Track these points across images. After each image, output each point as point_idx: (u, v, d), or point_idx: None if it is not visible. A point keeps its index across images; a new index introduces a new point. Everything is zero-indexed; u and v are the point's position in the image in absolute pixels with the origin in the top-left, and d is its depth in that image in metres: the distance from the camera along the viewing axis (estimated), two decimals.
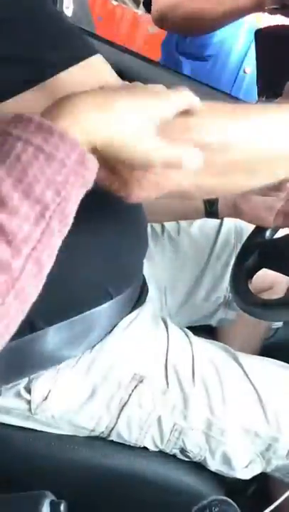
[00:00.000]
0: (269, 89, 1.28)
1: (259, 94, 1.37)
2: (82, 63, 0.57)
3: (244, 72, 1.64)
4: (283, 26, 1.31)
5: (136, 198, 0.54)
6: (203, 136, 0.53)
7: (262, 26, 1.48)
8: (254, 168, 0.59)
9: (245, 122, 0.56)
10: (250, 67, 1.63)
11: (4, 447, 0.76)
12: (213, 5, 1.24)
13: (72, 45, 0.58)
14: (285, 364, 0.83)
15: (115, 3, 4.17)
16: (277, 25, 1.35)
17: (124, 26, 4.00)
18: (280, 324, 1.17)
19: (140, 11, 4.80)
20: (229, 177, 0.59)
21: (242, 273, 0.84)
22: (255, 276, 0.85)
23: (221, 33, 1.59)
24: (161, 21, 1.39)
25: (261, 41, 1.27)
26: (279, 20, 1.48)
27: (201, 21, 1.29)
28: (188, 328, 0.89)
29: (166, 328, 0.83)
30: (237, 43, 1.63)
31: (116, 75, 0.63)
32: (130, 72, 1.26)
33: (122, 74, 1.24)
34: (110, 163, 0.49)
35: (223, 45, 1.56)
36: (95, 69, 0.59)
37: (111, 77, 0.61)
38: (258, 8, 1.18)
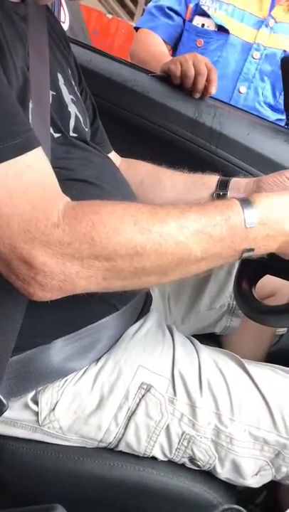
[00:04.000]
0: None
1: (287, 123, 1.40)
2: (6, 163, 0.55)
3: (239, 91, 1.67)
4: None
5: (38, 298, 0.58)
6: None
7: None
8: (165, 271, 0.61)
9: (149, 234, 0.57)
10: (245, 86, 1.66)
11: (12, 460, 0.76)
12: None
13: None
14: None
15: (110, 16, 4.23)
16: None
17: (119, 39, 4.04)
18: (284, 330, 1.17)
19: (135, 23, 4.85)
20: (141, 279, 0.61)
21: (246, 280, 0.84)
22: (258, 283, 0.85)
23: (213, 53, 1.65)
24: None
25: (288, 69, 1.29)
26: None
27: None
28: (194, 336, 0.89)
29: (172, 336, 0.83)
30: (230, 63, 1.66)
31: (51, 177, 0.60)
32: (126, 82, 1.28)
33: (120, 85, 1.27)
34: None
35: (216, 65, 1.60)
36: (20, 171, 0.57)
37: (43, 177, 0.59)
38: None
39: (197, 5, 1.67)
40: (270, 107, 1.70)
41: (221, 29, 1.65)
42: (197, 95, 1.26)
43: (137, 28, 1.78)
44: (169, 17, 1.72)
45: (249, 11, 1.64)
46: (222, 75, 1.64)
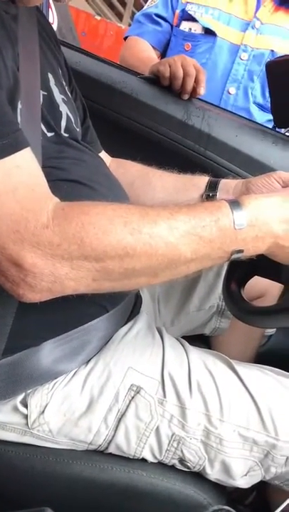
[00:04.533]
0: (284, 119, 1.33)
1: (275, 125, 1.42)
2: None
3: (228, 92, 1.69)
4: None
5: (28, 300, 0.58)
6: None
7: (273, 58, 1.60)
8: (155, 272, 0.61)
9: (139, 235, 0.57)
10: (234, 87, 1.69)
11: (0, 464, 0.75)
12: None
13: None
14: (280, 370, 0.83)
15: (98, 18, 4.23)
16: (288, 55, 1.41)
17: (107, 40, 4.05)
18: (273, 331, 1.18)
19: (123, 25, 4.86)
20: (131, 280, 0.61)
21: (235, 281, 0.85)
22: (247, 284, 0.86)
23: (201, 56, 1.67)
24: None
25: (273, 73, 1.30)
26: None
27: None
28: (184, 337, 0.89)
29: (162, 337, 0.83)
30: (219, 65, 1.68)
31: (40, 177, 0.60)
32: (115, 84, 1.28)
33: (109, 87, 1.27)
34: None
35: (204, 67, 1.62)
36: (9, 172, 0.56)
37: (32, 179, 0.58)
38: None
39: (183, 10, 1.70)
40: (260, 106, 1.71)
41: (208, 32, 1.67)
42: (186, 96, 1.27)
43: (126, 38, 1.81)
44: (157, 23, 1.75)
45: (235, 14, 1.66)
46: (211, 76, 1.66)
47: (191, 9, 1.68)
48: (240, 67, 1.67)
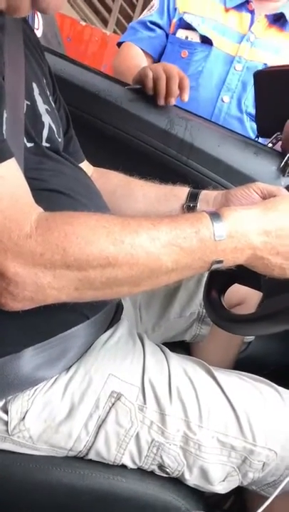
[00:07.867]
0: (268, 129, 1.36)
1: (258, 134, 1.45)
2: None
3: (222, 100, 1.72)
4: (282, 67, 1.38)
5: (10, 308, 0.59)
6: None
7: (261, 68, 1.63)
8: (137, 282, 0.62)
9: (121, 245, 0.58)
10: (228, 96, 1.73)
11: None
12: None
13: None
14: (258, 377, 0.85)
15: (84, 23, 4.24)
16: (276, 67, 1.44)
17: (92, 46, 4.06)
18: (252, 338, 1.19)
19: (108, 31, 4.88)
20: (112, 289, 0.62)
21: (215, 288, 0.86)
22: (227, 292, 0.87)
23: (197, 64, 1.70)
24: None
25: (260, 82, 1.33)
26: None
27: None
28: (164, 344, 0.90)
29: (143, 344, 0.84)
30: (214, 73, 1.71)
31: (24, 188, 0.61)
32: (100, 92, 1.29)
33: (93, 95, 1.28)
34: None
35: (200, 75, 1.64)
36: None
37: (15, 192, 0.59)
38: None
39: (181, 19, 1.73)
40: (251, 116, 1.75)
41: (205, 41, 1.70)
42: (172, 100, 1.27)
43: (120, 44, 1.82)
44: (151, 30, 1.77)
45: (230, 26, 1.70)
46: (206, 84, 1.70)
47: (188, 19, 1.71)
48: (234, 77, 1.71)
